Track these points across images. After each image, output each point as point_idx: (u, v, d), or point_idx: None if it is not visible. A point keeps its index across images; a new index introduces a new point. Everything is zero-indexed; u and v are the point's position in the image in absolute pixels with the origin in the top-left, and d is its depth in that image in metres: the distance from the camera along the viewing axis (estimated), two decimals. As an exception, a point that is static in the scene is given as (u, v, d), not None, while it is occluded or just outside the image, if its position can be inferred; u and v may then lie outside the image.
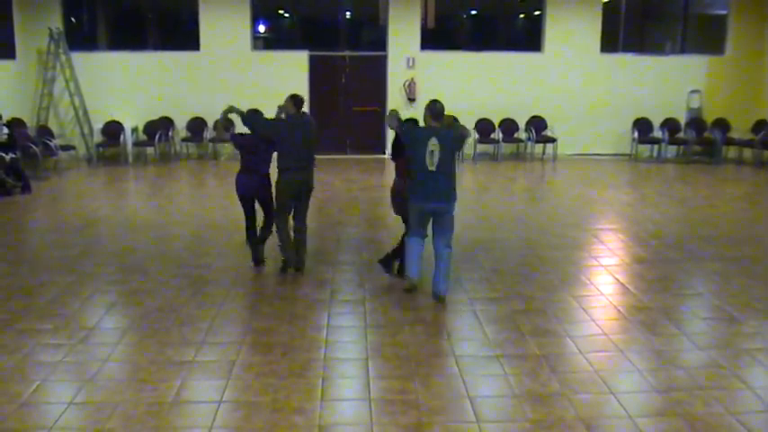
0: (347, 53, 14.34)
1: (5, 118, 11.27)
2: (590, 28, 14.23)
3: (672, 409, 4.03)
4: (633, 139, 14.26)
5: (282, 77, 13.78)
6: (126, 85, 13.88)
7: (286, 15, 15.19)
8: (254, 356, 4.71)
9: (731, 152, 14.32)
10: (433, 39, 14.18)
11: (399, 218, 6.36)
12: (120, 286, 6.18)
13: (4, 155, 10.10)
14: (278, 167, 6.29)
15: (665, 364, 4.62)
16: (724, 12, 14.63)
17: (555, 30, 14.23)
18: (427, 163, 5.55)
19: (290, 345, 4.91)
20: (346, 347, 4.90)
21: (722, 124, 14.19)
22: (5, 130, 10.44)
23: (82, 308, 5.63)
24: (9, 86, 12.71)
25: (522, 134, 14.16)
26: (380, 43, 14.22)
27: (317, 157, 6.57)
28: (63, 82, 13.27)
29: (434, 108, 5.70)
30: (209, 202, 10.51)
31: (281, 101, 6.49)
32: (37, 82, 13.30)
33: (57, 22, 13.34)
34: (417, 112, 7.01)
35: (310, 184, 6.49)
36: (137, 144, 13.60)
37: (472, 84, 14.13)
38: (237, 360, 4.64)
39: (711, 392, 4.22)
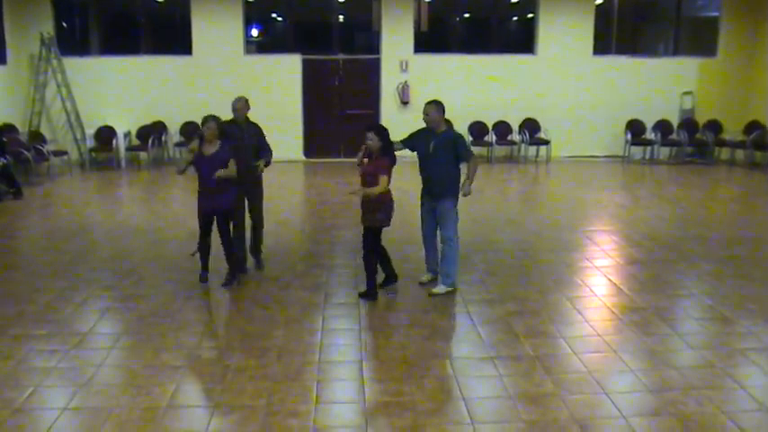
0: (341, 56, 14.34)
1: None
2: (583, 30, 14.29)
3: (665, 408, 4.04)
4: (626, 141, 14.30)
5: (275, 81, 13.77)
6: (118, 90, 13.84)
7: (279, 19, 15.21)
8: (248, 360, 4.71)
9: (723, 153, 14.39)
10: (427, 42, 14.22)
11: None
12: (113, 291, 6.17)
13: (-4, 160, 10.09)
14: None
15: (659, 365, 4.64)
16: (716, 14, 14.72)
17: (548, 32, 14.27)
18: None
19: (285, 348, 4.91)
20: (341, 350, 4.91)
21: (714, 126, 14.26)
22: None
23: (75, 313, 5.62)
24: (0, 92, 12.66)
25: (515, 136, 14.20)
26: (374, 46, 14.25)
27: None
28: (55, 87, 13.23)
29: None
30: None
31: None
32: (28, 87, 13.26)
33: (48, 27, 13.31)
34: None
35: None
36: (129, 149, 13.57)
37: (465, 86, 14.16)
38: (232, 364, 4.64)
39: (704, 392, 4.23)
